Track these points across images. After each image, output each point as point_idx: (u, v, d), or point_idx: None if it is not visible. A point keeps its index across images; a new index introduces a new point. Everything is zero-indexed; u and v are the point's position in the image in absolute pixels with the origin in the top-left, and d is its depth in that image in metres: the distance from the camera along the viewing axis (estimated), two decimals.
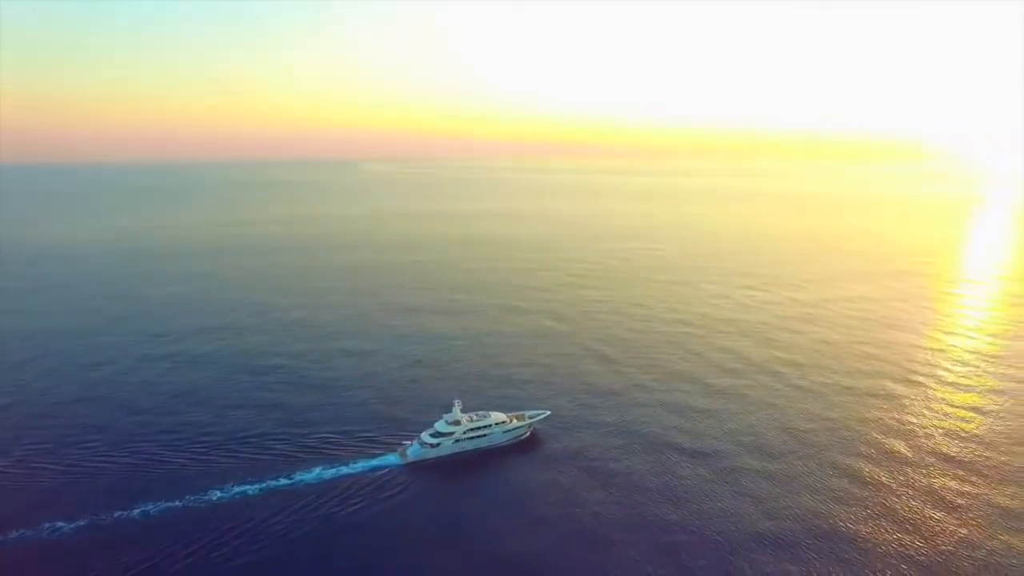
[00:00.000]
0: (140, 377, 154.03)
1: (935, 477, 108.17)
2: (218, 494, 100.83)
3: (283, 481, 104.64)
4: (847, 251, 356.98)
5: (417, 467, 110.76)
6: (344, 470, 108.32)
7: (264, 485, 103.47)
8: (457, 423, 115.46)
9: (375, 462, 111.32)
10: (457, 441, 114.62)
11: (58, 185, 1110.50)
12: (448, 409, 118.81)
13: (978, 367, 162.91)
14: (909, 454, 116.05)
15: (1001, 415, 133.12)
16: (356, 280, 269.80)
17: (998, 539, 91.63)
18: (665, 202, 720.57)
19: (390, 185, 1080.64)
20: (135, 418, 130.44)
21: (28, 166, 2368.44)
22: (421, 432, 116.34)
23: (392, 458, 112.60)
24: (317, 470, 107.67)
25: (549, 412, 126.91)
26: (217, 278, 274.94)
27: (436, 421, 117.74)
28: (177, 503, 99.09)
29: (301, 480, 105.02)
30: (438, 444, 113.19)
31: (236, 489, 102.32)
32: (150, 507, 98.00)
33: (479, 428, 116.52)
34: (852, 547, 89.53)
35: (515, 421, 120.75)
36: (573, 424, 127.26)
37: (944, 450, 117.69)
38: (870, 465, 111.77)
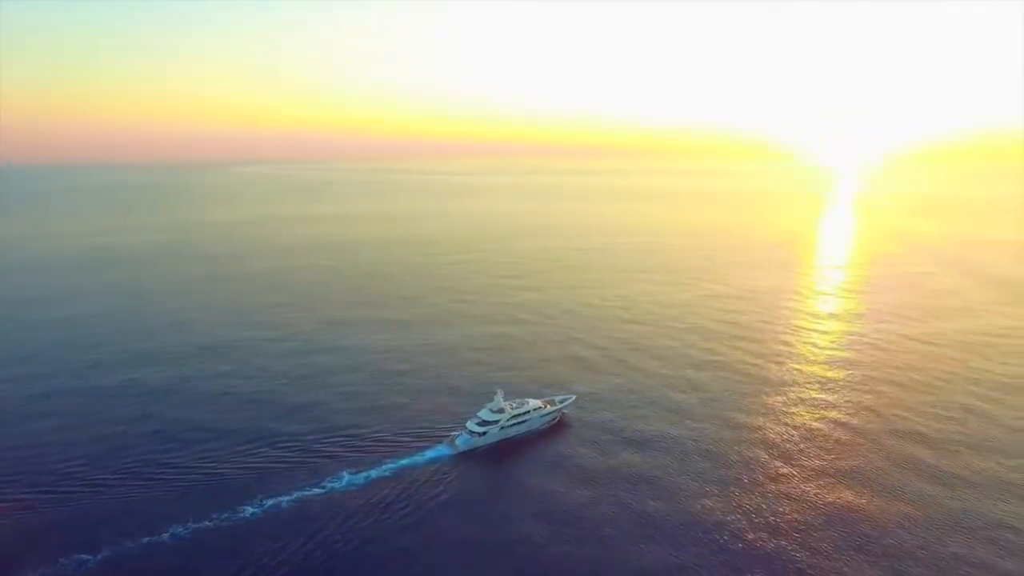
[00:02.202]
0: (131, 402, 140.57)
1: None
2: (323, 487, 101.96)
3: (352, 479, 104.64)
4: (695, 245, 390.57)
5: (467, 455, 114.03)
6: (402, 463, 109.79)
7: (335, 484, 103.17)
8: (501, 411, 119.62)
9: (429, 454, 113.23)
10: (502, 428, 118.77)
11: None
12: (490, 398, 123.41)
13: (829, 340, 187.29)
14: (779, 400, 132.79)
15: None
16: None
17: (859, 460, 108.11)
18: (558, 201, 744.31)
19: (252, 188, 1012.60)
20: (134, 433, 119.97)
21: None
22: (466, 421, 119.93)
23: (443, 449, 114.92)
24: (381, 467, 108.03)
25: (575, 396, 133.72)
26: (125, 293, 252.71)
27: (479, 410, 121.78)
28: (207, 523, 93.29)
29: (364, 478, 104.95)
30: (485, 432, 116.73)
31: (330, 484, 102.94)
32: (180, 528, 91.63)
33: (521, 415, 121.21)
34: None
35: (548, 407, 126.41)
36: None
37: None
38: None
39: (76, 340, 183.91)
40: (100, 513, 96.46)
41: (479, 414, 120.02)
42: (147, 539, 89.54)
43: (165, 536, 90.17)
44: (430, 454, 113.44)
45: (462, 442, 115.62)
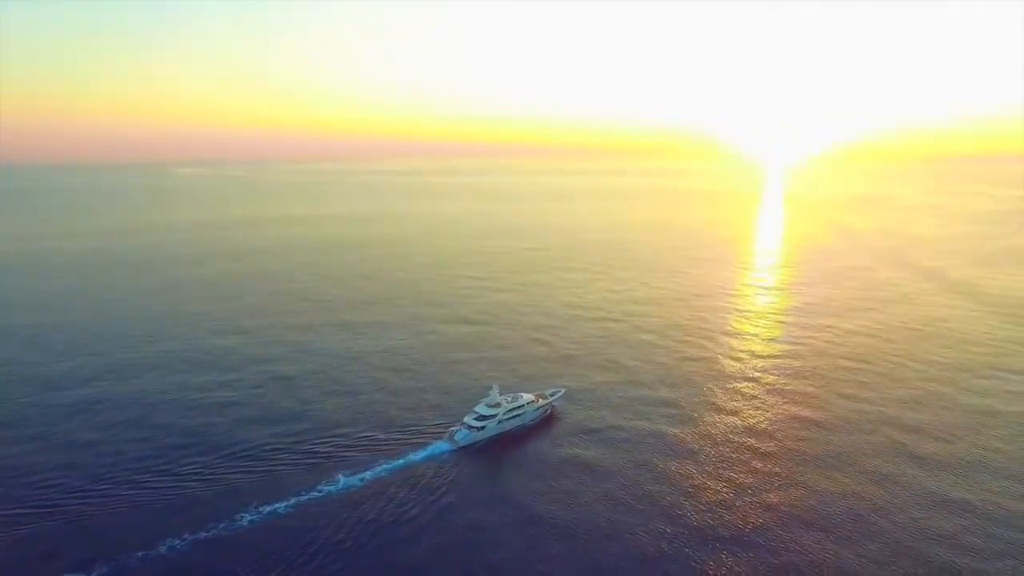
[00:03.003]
0: (124, 409, 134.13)
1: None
2: (330, 488, 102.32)
3: (348, 480, 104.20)
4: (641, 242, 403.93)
5: (466, 450, 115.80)
6: (402, 461, 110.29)
7: (333, 487, 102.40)
8: (498, 405, 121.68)
9: (429, 450, 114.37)
10: (500, 422, 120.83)
11: None
12: (486, 393, 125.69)
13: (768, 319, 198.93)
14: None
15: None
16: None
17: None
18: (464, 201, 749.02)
19: (190, 192, 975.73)
20: (131, 445, 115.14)
21: None
22: (464, 417, 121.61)
23: (442, 444, 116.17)
24: (376, 467, 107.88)
25: (564, 389, 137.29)
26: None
27: (476, 405, 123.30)
28: (204, 534, 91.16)
29: (364, 478, 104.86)
30: (483, 427, 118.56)
31: (327, 488, 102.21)
32: (176, 540, 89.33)
33: (516, 409, 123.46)
34: None
35: (540, 400, 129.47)
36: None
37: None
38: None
39: (28, 353, 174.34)
40: (92, 529, 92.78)
41: (476, 409, 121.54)
42: (143, 553, 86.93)
43: (162, 549, 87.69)
44: (429, 450, 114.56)
45: (461, 437, 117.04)
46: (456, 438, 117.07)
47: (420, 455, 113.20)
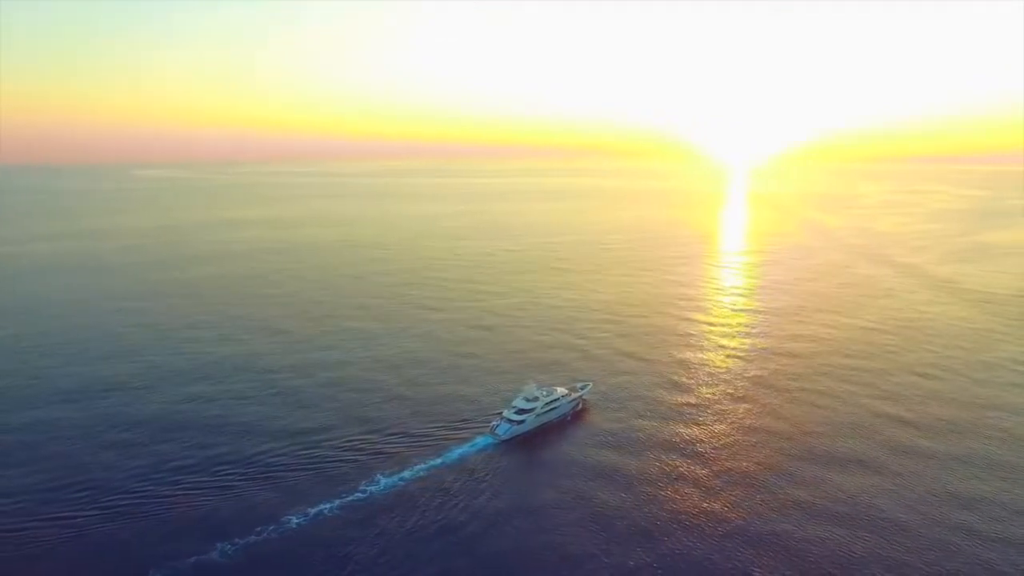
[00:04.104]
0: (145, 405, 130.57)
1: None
2: (377, 483, 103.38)
3: (388, 480, 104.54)
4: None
5: (508, 443, 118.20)
6: (450, 457, 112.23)
7: (376, 487, 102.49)
8: (535, 399, 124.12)
9: (470, 445, 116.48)
10: (538, 415, 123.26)
11: None
12: (522, 388, 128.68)
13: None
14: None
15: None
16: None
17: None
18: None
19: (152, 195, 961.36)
20: (160, 451, 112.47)
21: None
22: (503, 411, 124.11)
23: (486, 439, 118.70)
24: (415, 466, 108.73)
25: (592, 383, 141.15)
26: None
27: (514, 399, 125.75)
28: (254, 537, 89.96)
29: (403, 477, 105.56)
30: (523, 420, 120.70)
31: (371, 487, 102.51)
32: (227, 545, 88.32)
33: (552, 402, 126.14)
34: None
35: (572, 393, 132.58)
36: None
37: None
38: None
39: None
40: (140, 536, 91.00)
41: (515, 403, 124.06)
42: (195, 558, 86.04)
43: (215, 555, 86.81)
44: (471, 446, 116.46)
45: (503, 431, 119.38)
46: (498, 432, 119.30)
47: (459, 452, 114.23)
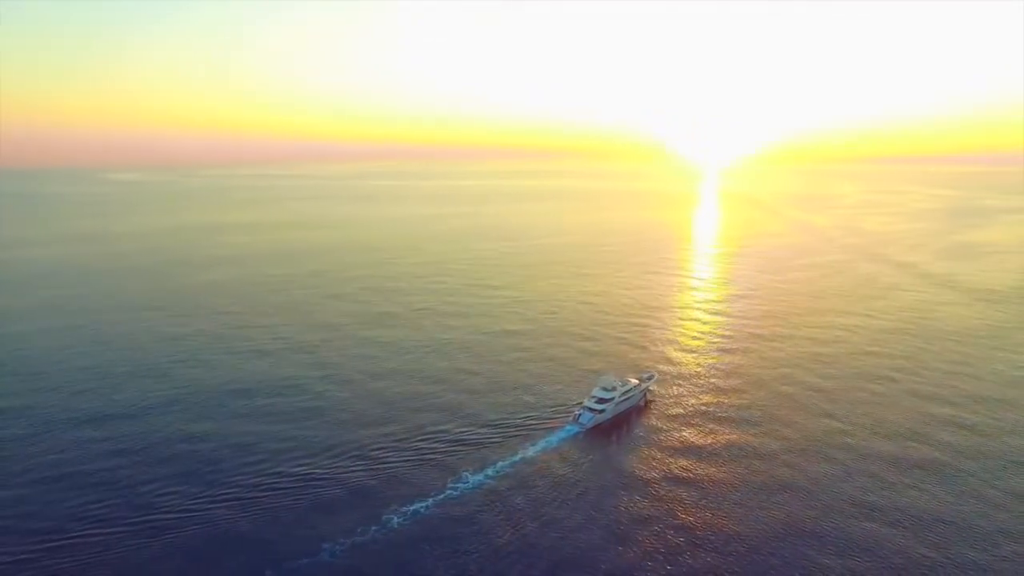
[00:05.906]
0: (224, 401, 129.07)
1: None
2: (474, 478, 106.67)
3: (476, 478, 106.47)
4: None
5: (591, 431, 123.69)
6: (547, 443, 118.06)
7: (466, 484, 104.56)
8: (613, 389, 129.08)
9: (565, 430, 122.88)
10: (616, 404, 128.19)
11: None
12: (599, 378, 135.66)
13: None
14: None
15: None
16: None
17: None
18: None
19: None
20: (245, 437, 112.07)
21: None
22: (585, 400, 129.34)
23: (571, 428, 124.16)
24: (499, 461, 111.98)
25: (655, 374, 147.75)
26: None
27: (593, 389, 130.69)
28: (359, 537, 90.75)
29: (488, 474, 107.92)
30: (604, 409, 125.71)
31: (468, 482, 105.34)
32: (334, 545, 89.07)
33: (627, 392, 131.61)
34: None
35: (641, 384, 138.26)
36: None
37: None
38: None
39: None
40: (248, 538, 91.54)
41: (594, 393, 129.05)
42: (306, 560, 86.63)
43: (324, 555, 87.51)
44: (563, 432, 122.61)
45: (586, 419, 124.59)
46: (582, 420, 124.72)
47: (542, 443, 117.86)
